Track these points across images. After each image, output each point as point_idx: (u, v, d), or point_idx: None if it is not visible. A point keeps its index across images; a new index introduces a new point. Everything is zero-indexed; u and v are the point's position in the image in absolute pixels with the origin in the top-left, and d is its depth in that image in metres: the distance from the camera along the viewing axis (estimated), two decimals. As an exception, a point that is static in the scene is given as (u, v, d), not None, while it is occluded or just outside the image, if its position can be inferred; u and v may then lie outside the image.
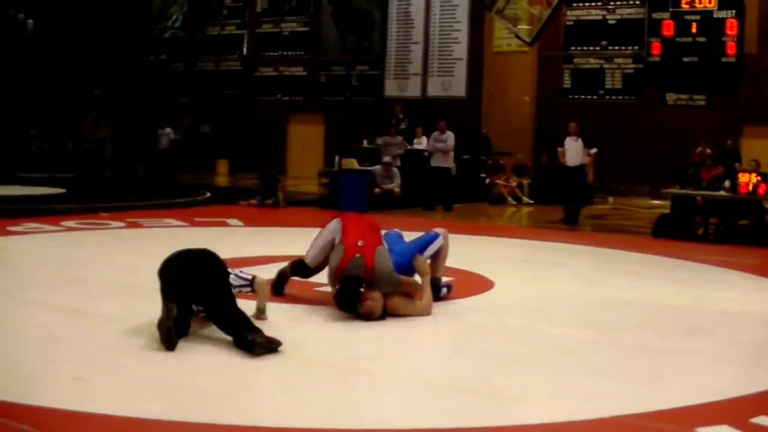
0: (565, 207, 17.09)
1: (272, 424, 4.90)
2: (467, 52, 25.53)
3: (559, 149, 17.12)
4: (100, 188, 23.19)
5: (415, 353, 6.34)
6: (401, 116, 22.97)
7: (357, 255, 7.42)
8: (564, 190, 17.19)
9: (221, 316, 6.30)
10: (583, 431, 4.96)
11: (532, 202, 21.44)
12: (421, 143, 20.50)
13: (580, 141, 16.83)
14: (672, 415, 5.23)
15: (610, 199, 21.55)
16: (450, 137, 19.29)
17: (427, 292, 7.77)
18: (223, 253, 10.99)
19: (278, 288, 8.35)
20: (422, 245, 8.16)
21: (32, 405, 5.02)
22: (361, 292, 7.27)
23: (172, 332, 6.01)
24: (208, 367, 5.86)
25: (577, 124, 17.16)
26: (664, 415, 5.22)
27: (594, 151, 17.01)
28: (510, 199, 21.46)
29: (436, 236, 8.34)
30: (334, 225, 8.03)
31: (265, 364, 5.93)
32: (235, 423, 4.87)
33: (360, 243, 7.56)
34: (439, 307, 7.91)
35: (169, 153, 27.41)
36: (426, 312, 7.64)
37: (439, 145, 19.32)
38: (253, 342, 6.03)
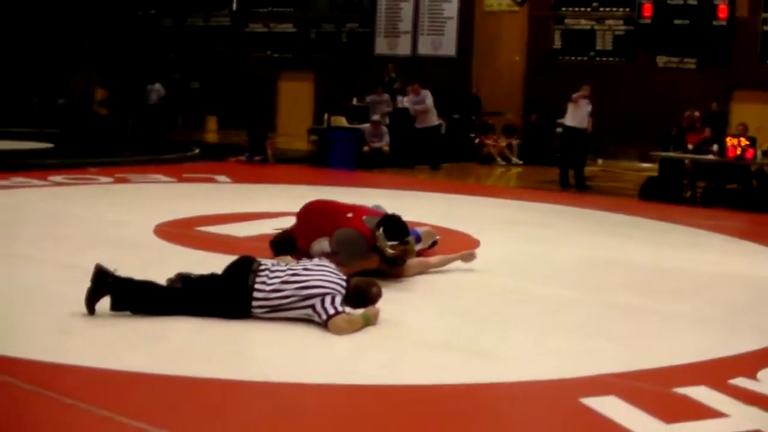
0: (562, 169, 16.84)
1: (254, 378, 4.94)
2: (458, 10, 25.35)
3: (572, 103, 16.67)
4: (89, 143, 23.10)
5: (399, 311, 6.36)
6: (394, 75, 22.86)
7: (364, 217, 7.45)
8: (567, 151, 16.93)
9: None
10: (561, 389, 5.01)
11: (521, 162, 21.43)
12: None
13: (589, 105, 16.67)
14: (650, 374, 5.31)
15: (599, 161, 21.54)
16: (426, 96, 19.25)
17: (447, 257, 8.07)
18: (211, 209, 11.18)
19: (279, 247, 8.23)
20: None
21: (14, 357, 5.06)
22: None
23: (90, 294, 5.90)
24: (192, 323, 5.88)
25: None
26: (642, 374, 5.29)
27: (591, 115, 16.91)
28: (499, 159, 21.44)
29: (416, 237, 8.12)
30: (316, 245, 7.71)
31: (252, 322, 5.96)
32: (216, 376, 4.91)
33: (349, 215, 7.56)
34: (424, 266, 7.96)
35: (159, 109, 27.30)
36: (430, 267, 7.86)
37: (417, 107, 19.28)
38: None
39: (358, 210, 7.66)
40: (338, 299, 5.93)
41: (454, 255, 8.17)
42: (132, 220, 10.11)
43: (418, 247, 7.88)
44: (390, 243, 7.14)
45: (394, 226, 7.22)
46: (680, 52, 22.46)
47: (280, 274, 6.08)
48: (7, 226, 9.61)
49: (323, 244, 7.60)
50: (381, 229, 7.17)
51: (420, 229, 8.42)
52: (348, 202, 8.00)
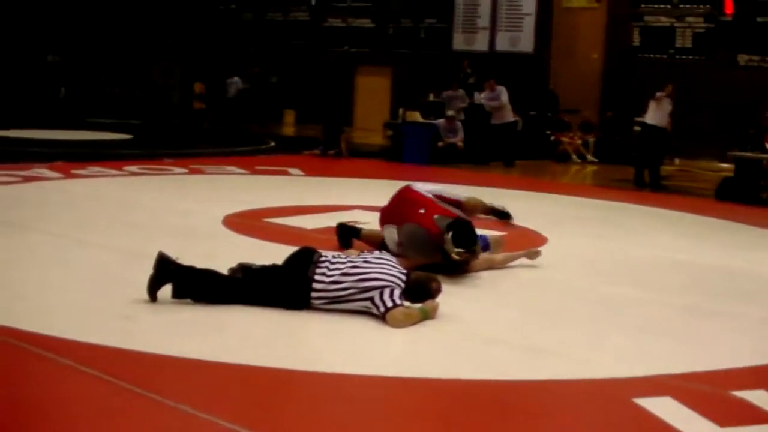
0: (638, 167, 16.64)
1: (310, 369, 4.98)
2: (536, 6, 25.19)
3: (655, 101, 16.43)
4: (167, 135, 23.44)
5: (459, 306, 6.36)
6: (469, 71, 22.82)
7: (435, 216, 7.44)
8: (644, 150, 16.70)
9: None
10: (615, 388, 4.97)
11: (596, 160, 21.24)
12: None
13: (670, 104, 16.48)
14: (708, 376, 5.23)
15: (677, 161, 21.24)
16: (502, 92, 19.20)
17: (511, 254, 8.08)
18: (281, 201, 11.28)
19: (345, 240, 8.35)
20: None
21: (79, 341, 5.18)
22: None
23: (152, 282, 6.00)
24: (251, 312, 5.95)
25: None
26: (699, 376, 5.21)
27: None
28: (574, 156, 21.27)
29: (485, 245, 8.12)
30: (385, 230, 7.87)
31: (311, 313, 6.01)
32: (273, 366, 4.97)
33: (421, 211, 7.57)
34: (487, 262, 7.94)
35: (237, 102, 27.62)
36: (494, 266, 7.84)
37: (493, 103, 19.24)
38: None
39: (431, 207, 7.62)
40: (397, 292, 5.95)
41: (520, 252, 8.15)
42: (202, 210, 10.25)
43: (485, 255, 7.87)
44: (456, 249, 7.15)
45: (464, 232, 7.22)
46: (762, 51, 22.03)
47: (341, 266, 6.12)
48: (80, 213, 9.85)
49: (393, 231, 7.68)
50: (450, 234, 7.18)
51: (490, 237, 8.38)
52: (434, 199, 7.85)
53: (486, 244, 8.08)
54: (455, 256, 7.15)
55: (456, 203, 7.94)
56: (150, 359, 5.00)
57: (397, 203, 8.02)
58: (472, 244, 7.25)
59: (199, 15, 30.89)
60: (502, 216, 9.02)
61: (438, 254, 7.26)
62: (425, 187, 8.02)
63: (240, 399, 4.53)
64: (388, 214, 8.00)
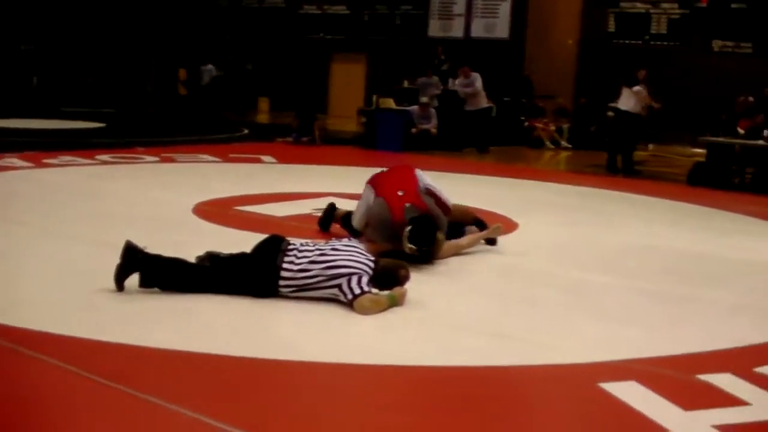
0: (611, 153, 16.71)
1: (279, 357, 4.96)
2: (511, -7, 25.21)
3: (635, 89, 16.47)
4: (140, 124, 23.32)
5: (427, 292, 6.35)
6: (443, 57, 22.80)
7: (407, 205, 7.38)
8: (617, 136, 16.75)
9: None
10: (581, 373, 4.97)
11: (570, 146, 21.28)
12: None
13: (645, 90, 16.49)
14: (675, 361, 5.24)
15: (651, 146, 21.30)
16: (476, 78, 19.20)
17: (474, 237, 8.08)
18: (253, 188, 11.23)
19: (325, 224, 8.46)
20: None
21: (46, 332, 5.13)
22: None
23: (119, 271, 5.96)
24: (219, 301, 5.92)
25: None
26: (666, 360, 5.22)
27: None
28: (548, 143, 21.30)
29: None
30: (365, 189, 7.88)
31: (279, 301, 5.98)
32: (241, 354, 4.94)
33: (400, 193, 7.53)
34: (458, 248, 7.94)
35: (211, 89, 27.51)
36: (460, 251, 7.84)
37: (467, 90, 19.24)
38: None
39: (410, 194, 7.53)
40: (365, 279, 5.93)
41: (483, 233, 8.14)
42: (173, 199, 10.20)
43: (451, 242, 7.85)
44: (410, 245, 7.12)
45: (421, 232, 7.16)
46: (736, 37, 22.11)
47: (308, 253, 6.09)
48: (49, 203, 9.74)
49: (370, 194, 7.70)
50: (408, 228, 7.15)
51: (468, 231, 8.35)
52: (422, 189, 7.68)
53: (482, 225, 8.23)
54: (407, 251, 7.13)
55: (444, 207, 7.85)
56: (117, 349, 4.95)
57: (391, 172, 8.02)
58: (427, 244, 7.20)
59: (174, 2, 30.69)
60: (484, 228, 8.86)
61: (397, 242, 7.22)
62: (424, 178, 7.93)
63: (210, 389, 4.49)
64: (377, 176, 7.97)
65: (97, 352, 4.92)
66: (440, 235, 7.35)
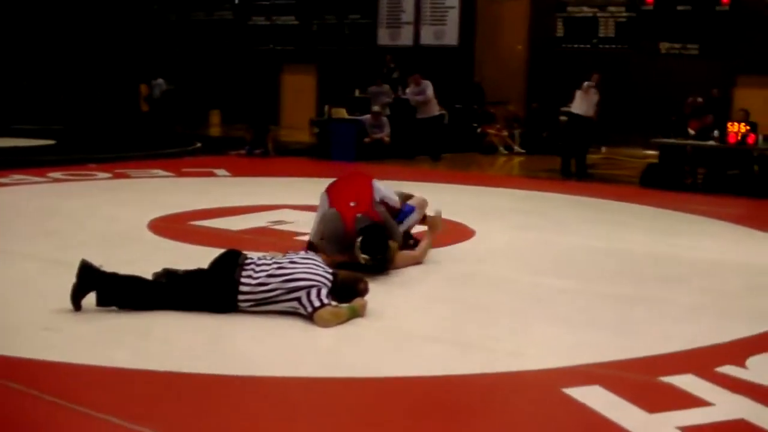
0: (565, 157, 16.82)
1: (240, 373, 4.91)
2: (459, 0, 25.28)
3: (582, 91, 16.58)
4: (91, 140, 23.09)
5: (387, 303, 6.33)
6: (392, 65, 22.81)
7: (358, 215, 7.35)
8: (570, 140, 16.87)
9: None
10: (544, 379, 4.98)
11: (523, 151, 21.37)
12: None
13: (597, 93, 16.61)
14: (637, 363, 5.26)
15: (603, 149, 21.46)
16: (427, 86, 19.21)
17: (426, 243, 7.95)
18: (208, 203, 11.16)
19: None
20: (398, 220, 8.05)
21: (0, 354, 5.04)
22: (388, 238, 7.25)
23: (75, 290, 5.88)
24: (178, 317, 5.85)
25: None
26: (628, 364, 5.24)
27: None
28: (501, 148, 21.39)
29: (411, 210, 8.20)
30: (321, 198, 7.85)
31: (238, 316, 5.94)
32: (201, 371, 4.89)
33: (352, 204, 7.50)
34: (416, 257, 7.92)
35: (162, 104, 27.33)
36: (419, 261, 7.79)
37: (418, 98, 19.25)
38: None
39: (363, 204, 7.52)
40: (324, 291, 5.90)
41: (428, 234, 8.11)
42: (126, 216, 10.10)
43: (414, 216, 7.96)
44: (363, 255, 7.10)
45: (372, 241, 7.13)
46: (683, 39, 22.34)
47: (266, 267, 6.05)
48: (0, 222, 9.60)
49: (325, 202, 7.69)
50: (359, 239, 7.13)
51: (413, 201, 8.32)
52: (375, 200, 7.70)
53: (411, 209, 8.14)
54: (361, 261, 7.11)
55: (394, 210, 7.84)
56: (76, 370, 4.89)
57: (347, 181, 7.99)
58: (379, 252, 7.17)
59: (124, 17, 30.45)
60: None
61: (352, 253, 7.19)
62: (381, 188, 7.89)
63: (169, 407, 4.44)
64: (333, 186, 7.93)
65: (53, 373, 4.85)
66: (393, 244, 7.32)
